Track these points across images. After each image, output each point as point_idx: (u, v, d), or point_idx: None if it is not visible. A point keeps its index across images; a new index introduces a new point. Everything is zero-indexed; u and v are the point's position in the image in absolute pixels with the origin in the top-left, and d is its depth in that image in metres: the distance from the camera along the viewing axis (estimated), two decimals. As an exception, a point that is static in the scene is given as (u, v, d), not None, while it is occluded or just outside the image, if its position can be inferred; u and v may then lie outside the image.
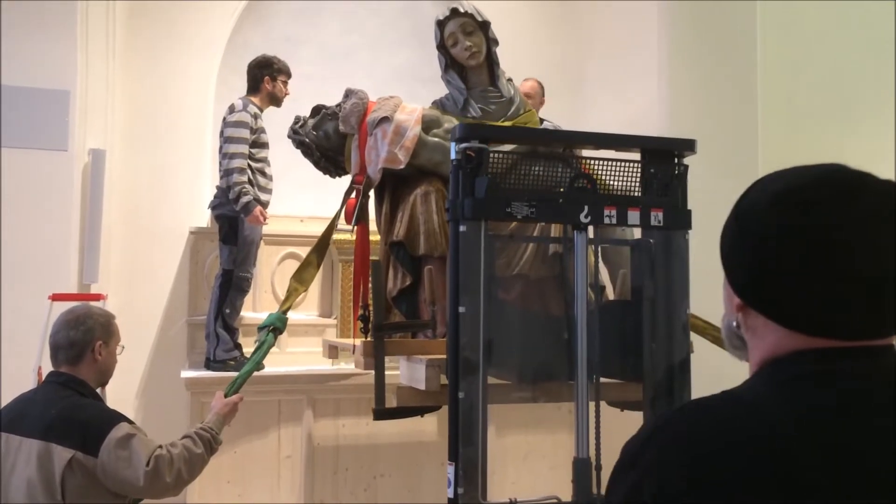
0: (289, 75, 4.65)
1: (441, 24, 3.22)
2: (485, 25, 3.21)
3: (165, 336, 5.06)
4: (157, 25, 5.30)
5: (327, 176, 3.48)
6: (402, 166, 3.03)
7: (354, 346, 3.16)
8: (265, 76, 4.59)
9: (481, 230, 2.25)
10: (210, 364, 4.38)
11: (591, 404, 2.32)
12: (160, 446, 2.35)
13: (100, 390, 2.59)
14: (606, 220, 2.37)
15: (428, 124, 3.10)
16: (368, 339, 2.94)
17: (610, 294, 3.16)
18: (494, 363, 2.32)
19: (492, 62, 3.27)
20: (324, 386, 4.44)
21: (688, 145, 2.55)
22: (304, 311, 4.99)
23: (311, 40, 5.59)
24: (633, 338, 2.46)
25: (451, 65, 3.26)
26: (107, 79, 4.93)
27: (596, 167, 2.58)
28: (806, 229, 0.91)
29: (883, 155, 4.19)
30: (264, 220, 4.37)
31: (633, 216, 2.39)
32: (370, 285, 3.03)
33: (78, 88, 4.47)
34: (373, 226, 3.48)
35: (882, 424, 0.87)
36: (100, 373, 2.51)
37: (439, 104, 3.33)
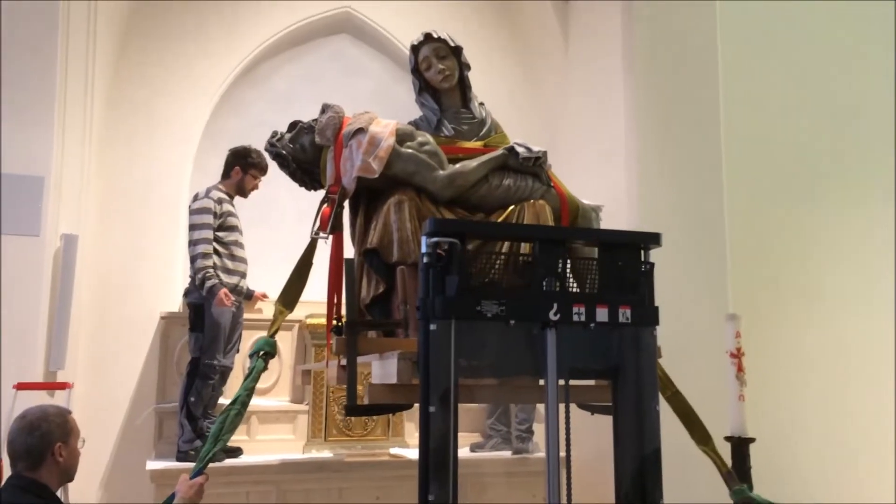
0: (262, 171, 4.70)
1: (415, 49, 3.36)
2: (457, 50, 3.36)
3: (132, 424, 4.95)
4: (135, 112, 5.37)
5: (303, 188, 3.52)
6: (376, 175, 3.08)
7: (328, 362, 3.15)
8: (236, 166, 4.69)
9: (451, 329, 2.26)
10: (177, 454, 4.30)
11: (562, 457, 2.31)
12: None
13: (62, 489, 2.54)
14: (575, 318, 2.38)
15: (402, 137, 3.18)
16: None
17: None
18: (464, 367, 2.29)
19: (464, 86, 3.41)
20: (294, 476, 4.34)
21: (653, 238, 2.60)
22: (276, 398, 4.92)
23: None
24: (602, 339, 2.43)
25: (424, 88, 3.40)
26: (82, 164, 4.95)
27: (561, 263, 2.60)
28: None
29: (847, 230, 4.24)
30: (229, 302, 4.35)
31: (602, 313, 2.41)
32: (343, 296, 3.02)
33: (53, 174, 4.47)
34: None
35: None
36: (62, 473, 2.51)
37: (413, 124, 3.43)
